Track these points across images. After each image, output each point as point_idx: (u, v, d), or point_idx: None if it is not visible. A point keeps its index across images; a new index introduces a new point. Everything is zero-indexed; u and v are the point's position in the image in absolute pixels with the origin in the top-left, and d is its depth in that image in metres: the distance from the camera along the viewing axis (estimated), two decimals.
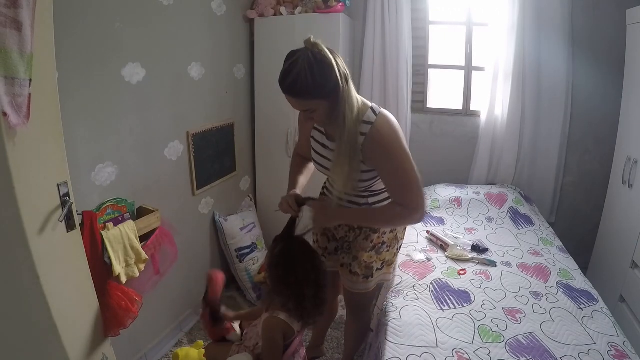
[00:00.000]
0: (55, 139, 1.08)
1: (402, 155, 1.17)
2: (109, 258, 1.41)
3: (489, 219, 2.23)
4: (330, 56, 1.08)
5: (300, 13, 2.34)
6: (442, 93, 2.75)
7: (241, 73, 2.46)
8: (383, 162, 1.19)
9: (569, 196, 2.58)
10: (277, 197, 1.40)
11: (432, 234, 2.01)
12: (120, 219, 1.55)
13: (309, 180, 1.51)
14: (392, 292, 1.61)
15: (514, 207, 2.28)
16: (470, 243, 1.94)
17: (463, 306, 1.50)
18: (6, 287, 1.02)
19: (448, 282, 1.65)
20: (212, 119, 2.21)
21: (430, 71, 2.69)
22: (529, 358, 1.25)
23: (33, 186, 1.00)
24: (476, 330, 1.38)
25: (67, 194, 1.11)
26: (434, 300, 1.53)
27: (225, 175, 2.39)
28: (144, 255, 1.55)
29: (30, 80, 0.92)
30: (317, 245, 1.54)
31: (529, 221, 2.19)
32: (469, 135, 2.59)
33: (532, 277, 1.69)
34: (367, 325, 1.68)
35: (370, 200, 1.34)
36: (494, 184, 2.54)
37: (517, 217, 2.22)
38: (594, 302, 1.52)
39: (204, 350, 1.47)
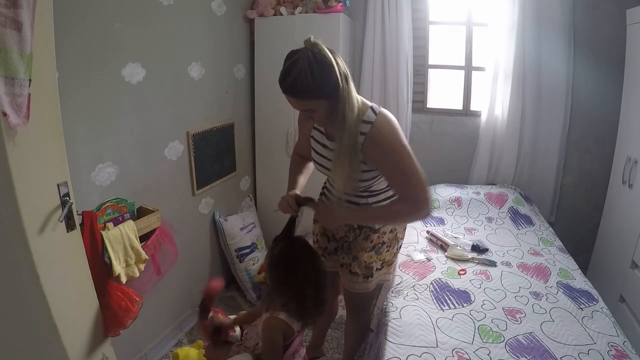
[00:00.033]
0: (55, 139, 1.08)
1: (403, 152, 1.17)
2: (109, 258, 1.41)
3: (489, 219, 2.23)
4: (330, 56, 1.08)
5: (300, 13, 2.34)
6: (442, 93, 2.75)
7: (241, 73, 2.46)
8: (385, 161, 1.19)
9: (569, 196, 2.58)
10: (277, 197, 1.40)
11: (432, 234, 2.01)
12: (120, 219, 1.55)
13: (308, 179, 1.51)
14: (392, 292, 1.61)
15: (514, 207, 2.28)
16: (470, 243, 1.94)
17: (463, 306, 1.50)
18: (6, 287, 1.02)
19: (448, 282, 1.65)
20: (212, 119, 2.21)
21: (430, 71, 2.69)
22: (529, 358, 1.25)
23: (33, 186, 1.00)
24: (476, 330, 1.38)
25: (67, 194, 1.11)
26: (434, 300, 1.53)
27: (225, 175, 2.39)
28: (144, 255, 1.55)
29: (30, 80, 0.92)
30: (317, 245, 1.54)
31: (529, 221, 2.19)
32: (469, 135, 2.59)
33: (532, 277, 1.69)
34: (367, 325, 1.68)
35: (370, 200, 1.34)
36: (494, 184, 2.54)
37: (517, 217, 2.22)
38: (594, 302, 1.52)
39: (204, 350, 1.47)
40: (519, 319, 1.43)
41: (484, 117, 2.49)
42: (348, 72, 1.14)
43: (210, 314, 1.40)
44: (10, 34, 0.86)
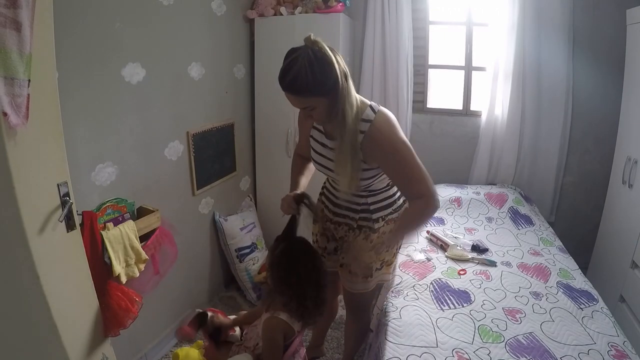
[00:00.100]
0: (55, 139, 1.08)
1: (404, 150, 1.17)
2: (109, 258, 1.41)
3: (489, 219, 2.23)
4: (331, 54, 1.08)
5: (300, 13, 2.34)
6: (442, 93, 2.75)
7: (241, 73, 2.46)
8: (386, 159, 1.19)
9: (569, 196, 2.58)
10: (277, 197, 1.41)
11: (432, 234, 2.01)
12: (120, 219, 1.55)
13: (309, 180, 1.51)
14: (392, 292, 1.61)
15: (514, 207, 2.28)
16: (470, 243, 1.94)
17: (463, 306, 1.50)
18: (6, 287, 1.02)
19: (448, 282, 1.65)
20: (212, 119, 2.21)
21: (430, 71, 2.69)
22: (529, 358, 1.25)
23: (33, 186, 1.00)
24: (476, 330, 1.38)
25: (67, 194, 1.11)
26: (434, 300, 1.53)
27: (225, 175, 2.39)
28: (144, 255, 1.55)
29: (29, 80, 0.92)
30: (317, 245, 1.54)
31: (529, 221, 2.19)
32: (469, 135, 2.59)
33: (532, 277, 1.69)
34: (367, 325, 1.68)
35: (369, 200, 1.34)
36: (494, 184, 2.54)
37: (517, 217, 2.22)
38: (594, 302, 1.52)
39: (204, 350, 1.47)
40: (519, 319, 1.43)
41: (484, 117, 2.49)
42: (347, 70, 1.14)
43: (210, 314, 1.40)
44: (10, 34, 0.86)
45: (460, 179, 2.62)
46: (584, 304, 1.51)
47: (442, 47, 2.65)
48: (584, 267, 1.91)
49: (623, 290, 1.88)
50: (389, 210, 1.37)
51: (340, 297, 1.67)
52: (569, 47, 2.29)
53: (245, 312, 1.53)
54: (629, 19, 1.97)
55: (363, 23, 2.56)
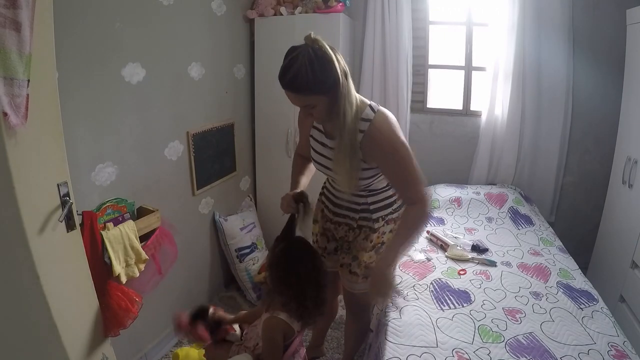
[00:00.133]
0: (55, 139, 1.08)
1: (403, 151, 1.17)
2: (109, 258, 1.41)
3: (489, 219, 2.23)
4: (331, 52, 1.09)
5: (300, 13, 2.34)
6: (442, 93, 2.75)
7: (241, 73, 2.46)
8: (384, 158, 1.19)
9: (569, 196, 2.58)
10: (277, 197, 1.41)
11: (432, 234, 2.01)
12: (120, 219, 1.55)
13: (309, 180, 1.51)
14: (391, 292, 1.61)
15: (514, 207, 2.28)
16: (470, 243, 1.94)
17: (463, 306, 1.50)
18: (6, 287, 1.02)
19: (448, 282, 1.65)
20: (212, 119, 2.21)
21: (430, 71, 2.69)
22: (529, 358, 1.25)
23: (33, 186, 1.00)
24: (476, 330, 1.38)
25: (67, 194, 1.11)
26: (434, 300, 1.53)
27: (225, 175, 2.39)
28: (144, 255, 1.55)
29: (29, 80, 0.92)
30: (317, 245, 1.54)
31: (529, 221, 2.19)
32: (469, 135, 2.59)
33: (532, 277, 1.69)
34: (367, 326, 1.68)
35: (369, 200, 1.34)
36: (494, 184, 2.54)
37: (517, 217, 2.22)
38: (594, 302, 1.52)
39: (204, 350, 1.47)
40: (519, 319, 1.43)
41: (484, 117, 2.49)
42: (347, 69, 1.14)
43: (211, 310, 1.40)
44: (10, 34, 0.86)
45: (460, 179, 2.62)
46: (584, 304, 1.51)
47: (442, 47, 2.64)
48: (584, 267, 1.91)
49: (623, 290, 1.88)
50: (389, 210, 1.37)
51: (340, 297, 1.67)
52: (569, 47, 2.29)
53: (245, 311, 1.53)
54: (629, 19, 1.97)
55: (363, 23, 2.56)
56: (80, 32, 1.40)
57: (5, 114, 0.86)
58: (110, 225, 1.46)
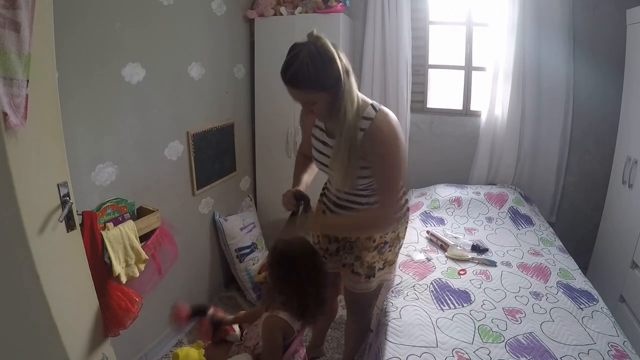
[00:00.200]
0: (55, 139, 1.08)
1: (395, 154, 1.17)
2: (109, 258, 1.41)
3: (489, 219, 2.23)
4: (333, 49, 1.09)
5: (300, 13, 2.34)
6: (442, 93, 2.75)
7: (241, 73, 2.46)
8: (376, 156, 1.19)
9: (569, 196, 2.58)
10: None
11: (432, 234, 2.01)
12: (120, 219, 1.55)
13: (312, 178, 1.51)
14: (392, 292, 1.61)
15: (514, 207, 2.28)
16: (470, 243, 1.94)
17: (463, 306, 1.50)
18: (6, 287, 1.02)
19: (448, 282, 1.65)
20: (212, 119, 2.21)
21: (430, 71, 2.69)
22: (529, 358, 1.25)
23: (33, 186, 1.00)
24: (476, 330, 1.38)
25: (67, 194, 1.11)
26: (434, 300, 1.53)
27: (225, 175, 2.39)
28: (144, 255, 1.55)
29: (28, 81, 0.92)
30: (319, 247, 1.53)
31: (529, 221, 2.19)
32: (469, 135, 2.59)
33: (532, 277, 1.69)
34: (367, 326, 1.68)
35: (372, 199, 1.34)
36: (494, 184, 2.54)
37: (517, 217, 2.22)
38: (594, 302, 1.52)
39: (204, 350, 1.47)
40: (519, 319, 1.43)
41: (484, 117, 2.49)
42: (350, 67, 1.14)
43: (211, 311, 1.40)
44: (9, 34, 0.86)
45: (460, 179, 2.62)
46: (584, 304, 1.51)
47: (442, 47, 2.64)
48: (584, 267, 1.91)
49: (623, 290, 1.88)
50: None
51: (341, 297, 1.67)
52: (569, 47, 2.29)
53: (245, 311, 1.53)
54: (629, 19, 1.97)
55: (363, 23, 2.56)
56: (80, 32, 1.40)
57: (5, 114, 0.86)
58: (110, 225, 1.46)
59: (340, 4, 2.30)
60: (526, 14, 2.26)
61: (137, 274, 1.53)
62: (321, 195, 1.52)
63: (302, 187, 1.41)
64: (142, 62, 1.67)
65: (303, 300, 1.18)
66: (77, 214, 1.19)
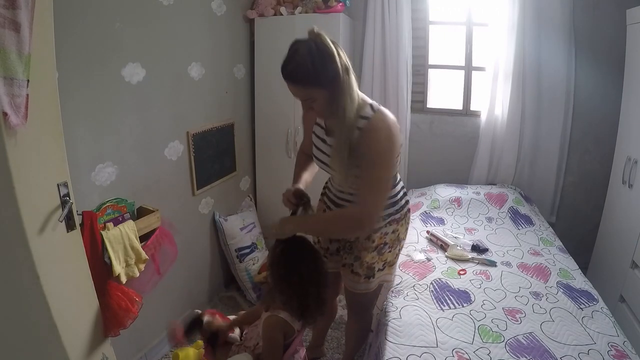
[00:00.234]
0: (55, 139, 1.08)
1: (385, 157, 1.16)
2: (109, 258, 1.41)
3: (489, 219, 2.23)
4: (332, 46, 1.10)
5: (300, 13, 2.34)
6: (442, 93, 2.75)
7: (241, 73, 2.46)
8: (367, 155, 1.17)
9: (569, 196, 2.58)
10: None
11: (432, 234, 2.01)
12: (120, 219, 1.55)
13: (313, 177, 1.51)
14: (392, 292, 1.61)
15: (514, 207, 2.28)
16: (470, 243, 1.94)
17: (463, 306, 1.50)
18: (6, 287, 1.02)
19: (448, 282, 1.65)
20: (212, 119, 2.21)
21: (430, 71, 2.69)
22: (529, 358, 1.25)
23: (33, 186, 1.00)
24: (476, 330, 1.38)
25: (67, 194, 1.11)
26: (434, 300, 1.53)
27: (225, 175, 2.39)
28: (144, 255, 1.55)
29: (28, 80, 0.92)
30: (319, 246, 1.53)
31: (529, 221, 2.19)
32: (469, 135, 2.59)
33: (532, 277, 1.69)
34: (368, 326, 1.68)
35: None
36: (494, 184, 2.54)
37: (517, 217, 2.22)
38: (594, 302, 1.52)
39: (203, 350, 1.47)
40: (519, 319, 1.43)
41: (484, 117, 2.49)
42: (350, 65, 1.14)
43: (207, 318, 1.39)
44: (9, 34, 0.86)
45: (460, 179, 2.62)
46: (584, 304, 1.51)
47: (442, 47, 2.65)
48: (584, 267, 1.91)
49: (623, 290, 1.88)
50: (391, 210, 1.36)
51: (341, 297, 1.67)
52: (569, 47, 2.29)
53: (244, 312, 1.53)
54: (629, 19, 1.97)
55: (363, 23, 2.56)
56: (80, 32, 1.40)
57: (5, 114, 0.86)
58: (110, 225, 1.46)
59: (340, 4, 2.30)
60: (526, 14, 2.27)
61: (137, 274, 1.53)
62: (322, 194, 1.52)
63: (302, 184, 1.41)
64: (142, 62, 1.68)
65: (304, 300, 1.18)
66: (77, 214, 1.19)
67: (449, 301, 1.53)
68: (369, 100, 1.22)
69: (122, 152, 1.64)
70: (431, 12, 2.57)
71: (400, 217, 1.38)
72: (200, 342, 1.48)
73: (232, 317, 1.48)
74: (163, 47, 1.80)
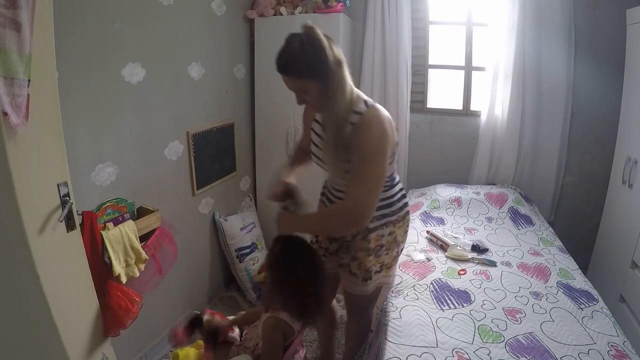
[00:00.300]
0: (55, 139, 1.08)
1: (377, 151, 1.15)
2: (109, 258, 1.41)
3: (489, 219, 2.23)
4: (324, 39, 1.12)
5: (300, 13, 2.34)
6: (442, 93, 2.75)
7: (241, 73, 2.46)
8: (358, 150, 1.16)
9: (569, 196, 2.58)
10: None
11: (432, 234, 2.01)
12: (120, 219, 1.55)
13: (308, 180, 1.51)
14: (392, 292, 1.61)
15: (514, 207, 2.28)
16: (470, 243, 1.94)
17: (463, 306, 1.50)
18: (6, 287, 1.02)
19: (448, 282, 1.65)
20: (212, 119, 2.21)
21: (430, 71, 2.69)
22: (529, 358, 1.25)
23: (33, 186, 1.00)
24: (476, 330, 1.38)
25: (67, 194, 1.11)
26: (434, 300, 1.53)
27: (225, 175, 2.39)
28: (144, 255, 1.55)
29: (29, 80, 0.92)
30: (319, 246, 1.53)
31: (529, 221, 2.19)
32: (469, 135, 2.59)
33: (532, 277, 1.69)
34: (367, 326, 1.67)
35: None
36: (494, 184, 2.54)
37: (517, 217, 2.22)
38: (594, 302, 1.52)
39: (203, 350, 1.47)
40: (519, 319, 1.43)
41: (484, 117, 2.49)
42: (342, 58, 1.15)
43: (206, 317, 1.39)
44: (10, 34, 0.86)
45: (460, 179, 2.62)
46: (584, 304, 1.51)
47: (442, 47, 2.65)
48: (584, 267, 1.91)
49: (623, 290, 1.88)
50: (386, 210, 1.35)
51: (340, 297, 1.67)
52: (569, 47, 2.29)
53: (244, 312, 1.53)
54: (629, 19, 1.97)
55: (363, 23, 2.56)
56: (80, 32, 1.40)
57: (5, 114, 0.86)
58: (110, 225, 1.46)
59: (340, 4, 2.30)
60: (526, 14, 2.27)
61: (137, 274, 1.53)
62: (321, 194, 1.52)
63: (292, 175, 1.41)
64: (142, 62, 1.67)
65: (302, 300, 1.18)
66: (77, 214, 1.19)
67: (449, 301, 1.53)
68: (365, 97, 1.23)
69: (122, 152, 1.64)
70: (431, 12, 2.57)
71: (397, 219, 1.37)
72: (201, 342, 1.48)
73: (231, 318, 1.48)
74: (163, 47, 1.80)
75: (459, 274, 1.71)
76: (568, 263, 1.81)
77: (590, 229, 2.39)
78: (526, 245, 1.97)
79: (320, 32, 1.12)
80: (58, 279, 1.09)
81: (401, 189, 1.40)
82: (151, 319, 1.88)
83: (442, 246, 1.92)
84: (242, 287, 2.42)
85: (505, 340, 1.33)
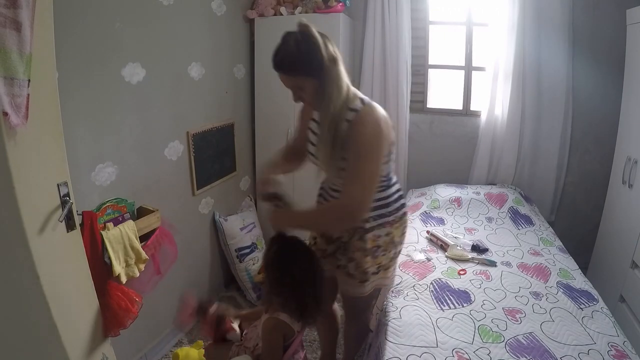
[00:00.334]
0: (55, 139, 1.08)
1: (372, 148, 1.16)
2: (109, 258, 1.41)
3: (489, 219, 2.23)
4: (318, 36, 1.13)
5: (300, 13, 2.34)
6: (442, 93, 2.75)
7: (241, 73, 2.46)
8: (353, 146, 1.16)
9: (569, 196, 2.58)
10: None
11: (432, 234, 2.01)
12: (120, 219, 1.55)
13: (307, 180, 1.50)
14: (392, 292, 1.61)
15: (514, 207, 2.28)
16: (470, 243, 1.94)
17: (463, 306, 1.50)
18: (6, 287, 1.02)
19: (448, 282, 1.65)
20: (212, 119, 2.21)
21: (430, 71, 2.69)
22: (529, 358, 1.25)
23: (33, 186, 1.00)
24: (476, 330, 1.38)
25: (67, 194, 1.11)
26: (434, 300, 1.53)
27: (225, 175, 2.39)
28: (144, 255, 1.55)
29: (29, 80, 0.92)
30: (317, 247, 1.52)
31: (529, 221, 2.19)
32: (469, 135, 2.59)
33: (532, 277, 1.69)
34: (366, 327, 1.67)
35: None
36: (494, 184, 2.54)
37: (517, 217, 2.22)
38: (594, 302, 1.52)
39: (204, 350, 1.47)
40: (519, 319, 1.43)
41: (484, 117, 2.49)
42: (338, 56, 1.16)
43: (213, 308, 1.40)
44: (10, 34, 0.86)
45: (460, 179, 2.62)
46: (584, 304, 1.51)
47: (442, 47, 2.65)
48: (584, 267, 1.91)
49: (623, 290, 1.88)
50: (383, 211, 1.34)
51: (340, 297, 1.66)
52: (569, 47, 2.29)
53: (247, 311, 1.53)
54: (629, 19, 1.97)
55: (363, 23, 2.56)
56: (80, 32, 1.40)
57: (5, 114, 0.86)
58: (110, 225, 1.46)
59: (340, 4, 2.30)
60: (526, 14, 2.27)
61: (137, 274, 1.53)
62: (319, 195, 1.52)
63: (278, 172, 1.40)
64: (142, 62, 1.68)
65: (301, 300, 1.18)
66: (77, 214, 1.19)
67: (449, 301, 1.53)
68: (361, 95, 1.23)
69: (122, 152, 1.64)
70: (431, 12, 2.57)
71: (394, 219, 1.36)
72: (201, 342, 1.49)
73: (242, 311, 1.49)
74: (163, 47, 1.80)
75: (459, 274, 1.71)
76: (568, 263, 1.81)
77: (590, 229, 2.39)
78: (526, 245, 1.97)
79: (315, 30, 1.13)
80: (58, 279, 1.09)
81: (398, 190, 1.39)
82: (151, 319, 1.88)
83: (442, 246, 1.92)
84: (242, 287, 2.42)
85: (505, 340, 1.33)
